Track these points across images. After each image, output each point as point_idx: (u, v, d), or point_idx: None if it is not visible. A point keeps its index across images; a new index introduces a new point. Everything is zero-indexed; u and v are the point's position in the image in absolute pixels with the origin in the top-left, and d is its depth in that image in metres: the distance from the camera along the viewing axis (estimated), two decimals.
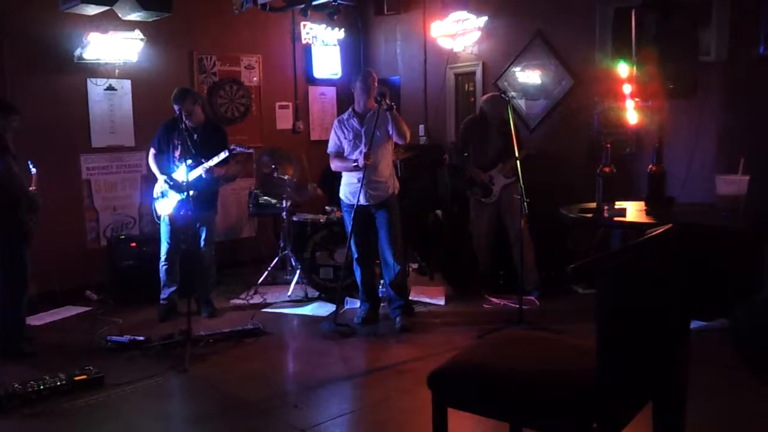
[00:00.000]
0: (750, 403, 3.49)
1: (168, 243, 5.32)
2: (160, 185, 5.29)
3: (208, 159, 5.10)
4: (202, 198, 5.13)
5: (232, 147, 5.18)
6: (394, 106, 4.88)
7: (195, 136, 5.20)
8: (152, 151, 5.39)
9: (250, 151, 5.83)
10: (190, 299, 4.56)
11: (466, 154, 5.79)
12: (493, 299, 5.61)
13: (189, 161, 5.05)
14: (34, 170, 4.77)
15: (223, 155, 5.09)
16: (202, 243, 5.36)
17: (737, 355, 4.03)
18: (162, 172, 5.27)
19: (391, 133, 4.89)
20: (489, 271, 5.86)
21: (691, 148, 5.21)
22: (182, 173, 5.10)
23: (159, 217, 5.35)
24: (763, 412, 3.42)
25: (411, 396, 3.71)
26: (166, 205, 5.25)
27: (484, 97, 5.95)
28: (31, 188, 4.58)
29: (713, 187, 4.33)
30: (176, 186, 5.19)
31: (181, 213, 5.19)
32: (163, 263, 5.35)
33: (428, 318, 5.20)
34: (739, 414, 3.41)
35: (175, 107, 5.07)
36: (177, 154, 5.21)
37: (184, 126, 4.91)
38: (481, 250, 5.84)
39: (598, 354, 2.24)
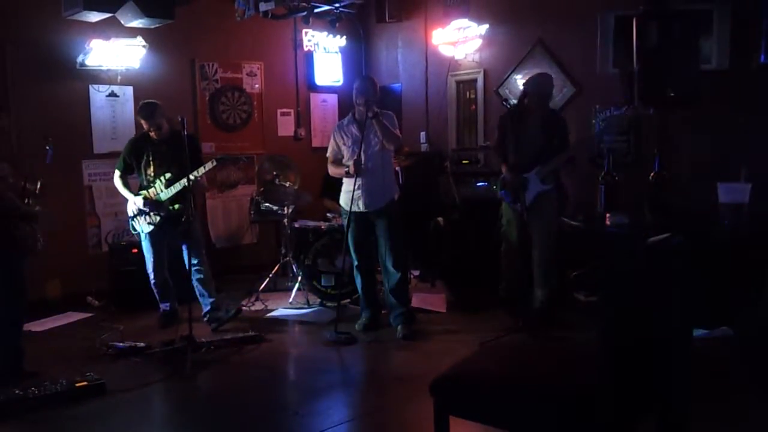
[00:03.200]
0: (753, 412, 3.48)
1: (152, 258, 5.21)
2: (135, 205, 5.12)
3: (182, 170, 4.88)
4: (180, 210, 5.04)
5: (219, 156, 5.14)
6: (379, 113, 4.73)
7: (164, 148, 5.06)
8: (117, 173, 5.24)
9: (245, 159, 5.67)
10: (190, 305, 4.55)
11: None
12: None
13: (168, 175, 5.00)
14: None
15: (210, 165, 4.94)
16: (195, 259, 5.09)
17: (740, 363, 4.02)
18: (136, 193, 5.14)
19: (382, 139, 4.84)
20: (514, 293, 5.10)
21: (693, 156, 5.22)
22: (159, 189, 5.05)
23: (138, 234, 5.24)
24: (767, 421, 3.41)
25: (413, 404, 3.70)
26: (146, 222, 5.13)
27: (528, 78, 5.26)
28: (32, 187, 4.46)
29: (715, 195, 4.34)
30: (155, 206, 5.07)
31: (164, 229, 5.11)
32: (152, 280, 5.27)
33: (430, 325, 5.19)
34: (742, 422, 3.39)
35: (144, 122, 5.04)
36: (151, 171, 5.11)
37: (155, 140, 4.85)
38: (509, 266, 5.14)
39: (600, 362, 2.23)
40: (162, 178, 5.05)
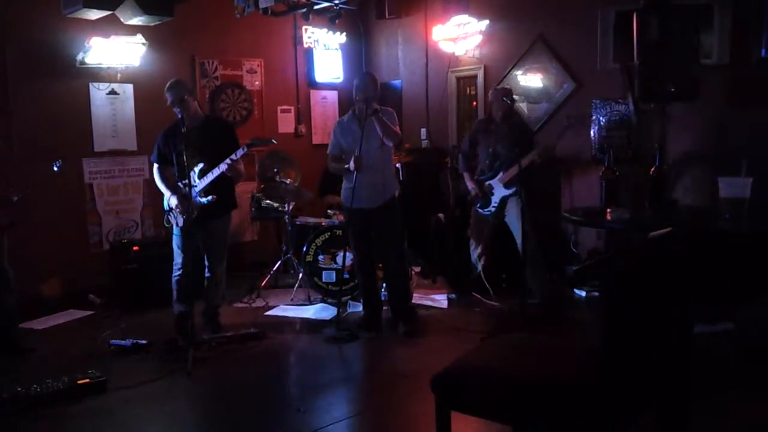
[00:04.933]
0: (754, 407, 3.48)
1: (182, 255, 4.81)
2: (171, 200, 4.81)
3: (215, 159, 4.61)
4: (217, 203, 4.69)
5: (251, 140, 4.76)
6: (379, 110, 4.71)
7: (195, 136, 4.63)
8: (155, 166, 4.92)
9: (274, 141, 5.12)
10: (193, 304, 4.55)
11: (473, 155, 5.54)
12: (485, 300, 5.56)
13: (200, 166, 4.65)
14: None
15: (241, 152, 4.63)
16: (213, 259, 4.83)
17: (741, 359, 4.02)
18: (174, 187, 4.81)
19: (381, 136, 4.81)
20: (481, 279, 5.62)
21: (693, 150, 5.22)
22: (193, 181, 4.66)
23: (171, 228, 4.89)
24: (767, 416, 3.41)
25: (414, 399, 3.70)
26: (182, 217, 4.76)
27: (492, 90, 5.65)
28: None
29: (716, 190, 4.33)
30: (185, 204, 4.66)
31: (197, 224, 4.67)
32: (175, 277, 4.86)
33: (431, 321, 5.19)
34: (743, 418, 3.39)
35: (167, 97, 4.68)
36: (183, 161, 4.68)
37: (182, 122, 4.45)
38: (476, 261, 5.63)
39: (600, 356, 2.23)
40: (195, 169, 4.69)
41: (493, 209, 5.44)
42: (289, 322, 5.35)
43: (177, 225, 4.82)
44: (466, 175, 5.61)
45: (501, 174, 5.33)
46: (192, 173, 4.66)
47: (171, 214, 4.88)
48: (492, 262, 5.63)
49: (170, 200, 4.82)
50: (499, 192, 5.37)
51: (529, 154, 5.14)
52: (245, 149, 4.68)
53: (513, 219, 5.33)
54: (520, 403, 2.26)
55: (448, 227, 6.32)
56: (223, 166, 4.62)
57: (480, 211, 5.54)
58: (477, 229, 5.63)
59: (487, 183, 5.43)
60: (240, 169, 4.80)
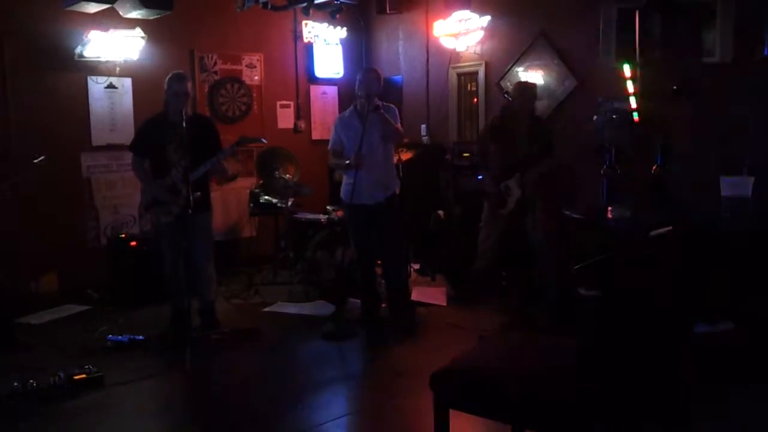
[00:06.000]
0: (755, 407, 3.46)
1: (170, 253, 4.79)
2: (152, 195, 4.78)
3: (200, 156, 4.58)
4: (199, 199, 4.64)
5: (239, 138, 4.80)
6: (380, 106, 4.69)
7: (182, 131, 4.51)
8: (134, 158, 4.86)
9: (263, 141, 5.24)
10: (189, 298, 4.53)
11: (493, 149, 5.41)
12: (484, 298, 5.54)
13: (184, 163, 4.58)
14: None
15: (229, 150, 4.69)
16: (202, 256, 4.84)
17: (743, 358, 4.01)
18: (154, 180, 4.76)
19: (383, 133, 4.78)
20: (484, 273, 5.55)
21: (695, 149, 5.19)
22: (176, 178, 4.63)
23: (158, 225, 4.86)
24: None
25: (413, 397, 3.69)
26: (164, 212, 4.73)
27: (512, 86, 5.60)
28: None
29: (717, 188, 4.32)
30: (172, 196, 4.66)
31: (181, 220, 4.61)
32: (167, 276, 4.85)
33: (429, 319, 5.18)
34: (746, 417, 3.38)
35: (176, 87, 4.63)
36: (167, 156, 4.66)
37: (183, 119, 4.42)
38: (483, 254, 5.52)
39: (601, 356, 2.22)
40: (178, 166, 4.63)
41: (509, 210, 5.29)
42: (287, 319, 5.33)
43: (168, 220, 4.73)
44: (484, 173, 5.46)
45: (518, 175, 5.19)
46: (174, 169, 4.63)
47: (152, 210, 4.81)
48: (496, 259, 5.53)
49: (160, 194, 4.73)
50: (516, 193, 5.23)
51: (548, 161, 5.19)
52: (233, 148, 4.73)
53: (531, 220, 5.23)
54: (519, 402, 2.25)
55: (447, 224, 6.30)
56: (209, 164, 4.62)
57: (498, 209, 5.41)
58: (490, 223, 5.49)
59: (504, 184, 5.27)
60: (224, 167, 4.84)
